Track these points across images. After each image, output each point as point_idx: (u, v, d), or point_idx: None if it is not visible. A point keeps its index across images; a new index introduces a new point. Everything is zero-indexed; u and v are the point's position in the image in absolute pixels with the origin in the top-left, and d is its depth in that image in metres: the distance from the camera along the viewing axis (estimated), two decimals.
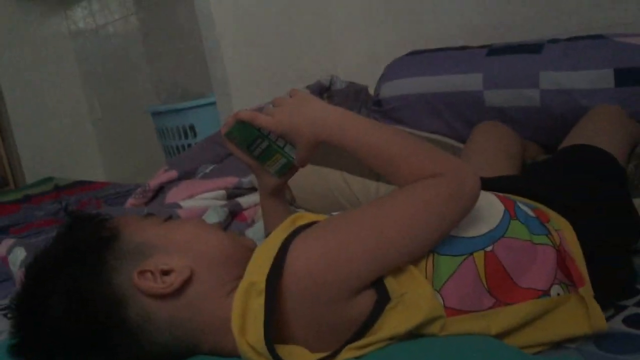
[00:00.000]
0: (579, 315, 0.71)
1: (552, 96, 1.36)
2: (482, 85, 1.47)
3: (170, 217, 0.77)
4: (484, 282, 0.70)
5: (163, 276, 0.67)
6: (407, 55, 1.75)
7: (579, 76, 1.32)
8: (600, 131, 1.14)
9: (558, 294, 0.72)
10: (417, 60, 1.70)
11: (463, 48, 1.62)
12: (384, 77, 1.75)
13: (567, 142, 1.11)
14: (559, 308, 0.71)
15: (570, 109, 1.32)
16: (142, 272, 0.67)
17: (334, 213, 0.80)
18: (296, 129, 0.78)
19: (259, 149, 0.84)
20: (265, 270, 0.64)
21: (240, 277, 0.68)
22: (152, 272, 0.67)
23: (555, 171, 0.99)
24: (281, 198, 0.92)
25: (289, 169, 0.86)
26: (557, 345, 0.71)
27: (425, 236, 0.68)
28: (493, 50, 1.51)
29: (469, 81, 1.50)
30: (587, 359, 0.67)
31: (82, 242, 0.69)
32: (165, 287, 0.66)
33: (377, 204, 0.72)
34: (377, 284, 0.65)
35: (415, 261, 0.68)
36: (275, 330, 0.63)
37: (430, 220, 0.68)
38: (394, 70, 1.74)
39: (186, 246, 0.71)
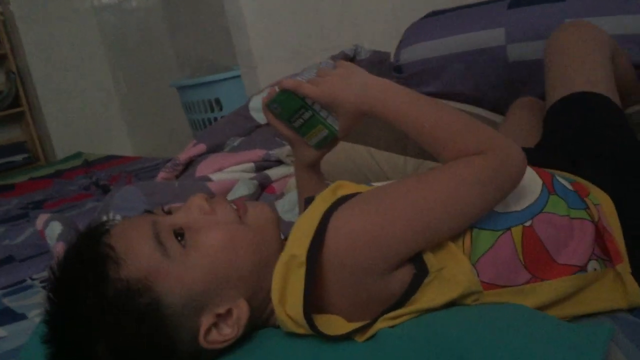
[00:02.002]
0: (616, 290, 0.71)
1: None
2: (504, 39, 1.42)
3: (170, 211, 0.71)
4: (521, 258, 0.69)
5: (224, 319, 0.65)
6: (425, 17, 1.69)
7: (605, 23, 1.26)
8: (583, 68, 1.03)
9: (595, 269, 0.72)
10: (435, 21, 1.65)
11: (483, 3, 1.57)
12: (403, 43, 1.69)
13: (554, 91, 1.03)
14: (595, 284, 0.71)
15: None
16: (207, 331, 0.64)
17: (375, 183, 0.80)
18: (341, 98, 0.77)
19: (301, 119, 0.83)
20: (307, 242, 0.64)
21: (277, 251, 0.68)
22: (214, 324, 0.65)
23: (573, 140, 0.94)
24: (317, 171, 0.91)
25: (329, 142, 0.85)
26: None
27: (467, 214, 0.68)
28: (514, 2, 1.46)
29: (491, 37, 1.45)
30: (620, 326, 0.67)
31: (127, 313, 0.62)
32: (234, 332, 0.65)
33: (420, 180, 0.70)
34: (416, 259, 0.66)
35: (453, 237, 0.68)
36: (314, 300, 0.64)
37: (473, 199, 0.67)
38: (412, 34, 1.68)
39: (225, 273, 0.66)
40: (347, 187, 0.75)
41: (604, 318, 0.70)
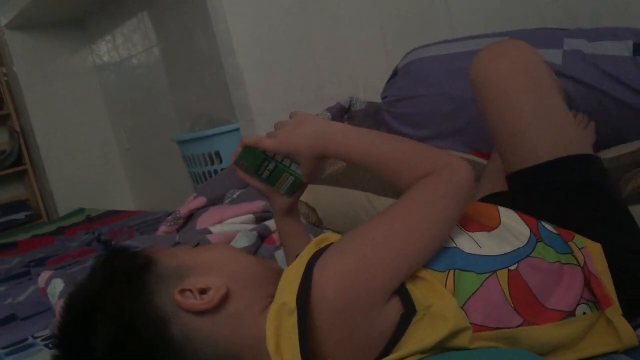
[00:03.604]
0: (610, 333, 0.72)
1: (574, 58, 1.37)
2: None
3: (198, 244, 0.80)
4: (510, 301, 0.70)
5: (201, 295, 0.70)
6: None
7: (601, 45, 1.35)
8: (542, 123, 0.85)
9: (584, 313, 0.73)
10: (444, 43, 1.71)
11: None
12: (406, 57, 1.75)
13: (513, 155, 0.87)
14: (590, 331, 0.72)
15: (590, 73, 1.33)
16: (182, 291, 0.69)
17: None
18: (296, 146, 0.83)
19: (267, 171, 0.88)
20: (295, 290, 0.66)
21: (272, 295, 0.71)
22: (191, 291, 0.70)
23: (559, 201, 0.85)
24: (296, 218, 0.95)
25: (298, 187, 0.90)
26: None
27: (437, 231, 0.72)
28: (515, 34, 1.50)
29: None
30: None
31: (121, 270, 0.72)
32: (205, 303, 0.69)
33: (388, 213, 0.74)
34: (404, 297, 0.67)
35: (437, 277, 0.70)
36: (309, 350, 0.64)
37: (438, 214, 0.72)
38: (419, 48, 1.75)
39: (220, 266, 0.74)
40: (331, 238, 0.77)
41: (600, 359, 0.71)
